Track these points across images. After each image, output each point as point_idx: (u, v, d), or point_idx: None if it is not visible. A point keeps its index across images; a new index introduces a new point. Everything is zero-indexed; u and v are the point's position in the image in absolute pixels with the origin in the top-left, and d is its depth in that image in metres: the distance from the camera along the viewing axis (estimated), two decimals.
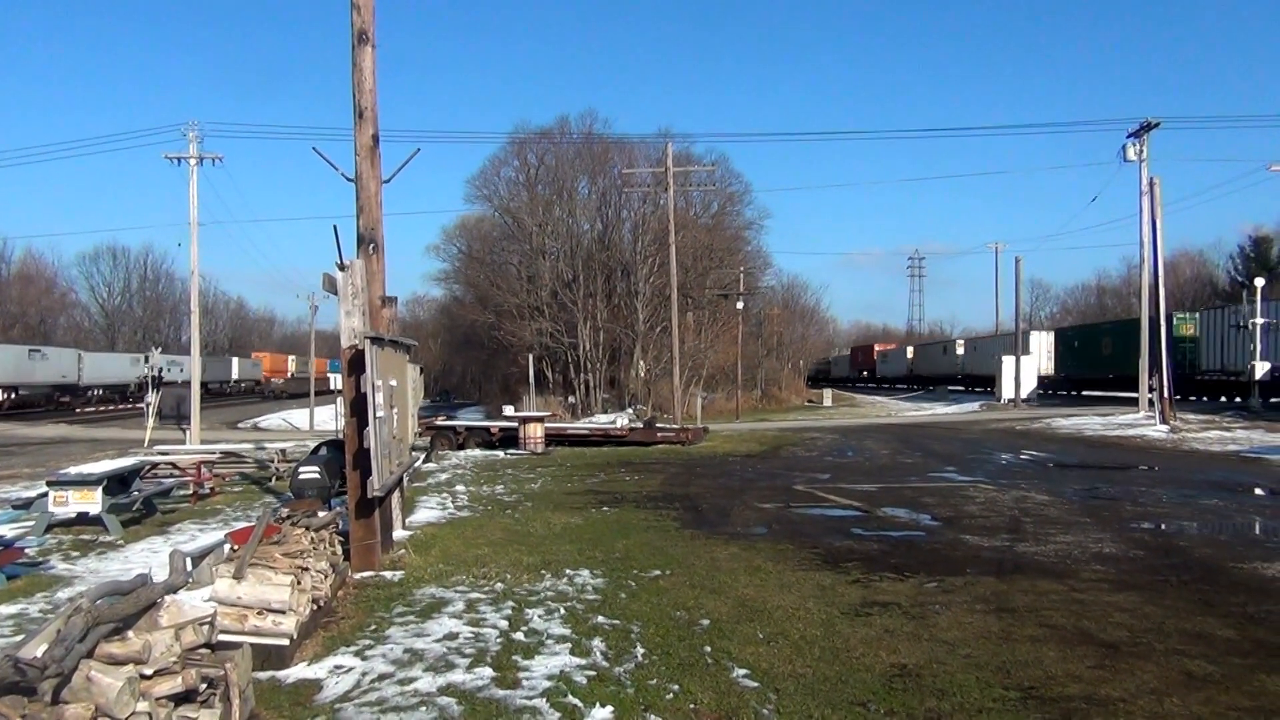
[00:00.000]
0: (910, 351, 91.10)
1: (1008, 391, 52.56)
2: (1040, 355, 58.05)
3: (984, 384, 64.90)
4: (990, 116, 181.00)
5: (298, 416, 55.47)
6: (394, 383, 10.84)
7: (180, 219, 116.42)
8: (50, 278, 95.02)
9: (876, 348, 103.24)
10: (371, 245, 11.36)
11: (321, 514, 9.44)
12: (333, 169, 12.43)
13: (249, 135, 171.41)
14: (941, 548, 11.15)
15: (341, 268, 10.29)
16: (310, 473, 12.18)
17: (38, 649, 4.61)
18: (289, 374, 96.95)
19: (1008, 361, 52.95)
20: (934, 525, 12.86)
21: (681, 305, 41.09)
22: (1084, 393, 53.64)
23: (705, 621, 7.77)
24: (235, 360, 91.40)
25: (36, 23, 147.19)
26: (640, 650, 7.00)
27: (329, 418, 48.87)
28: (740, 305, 57.14)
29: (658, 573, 9.75)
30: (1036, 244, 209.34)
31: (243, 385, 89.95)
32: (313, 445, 18.78)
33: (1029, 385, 52.62)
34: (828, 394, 70.24)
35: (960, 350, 74.94)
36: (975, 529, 12.40)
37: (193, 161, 34.00)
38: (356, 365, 9.87)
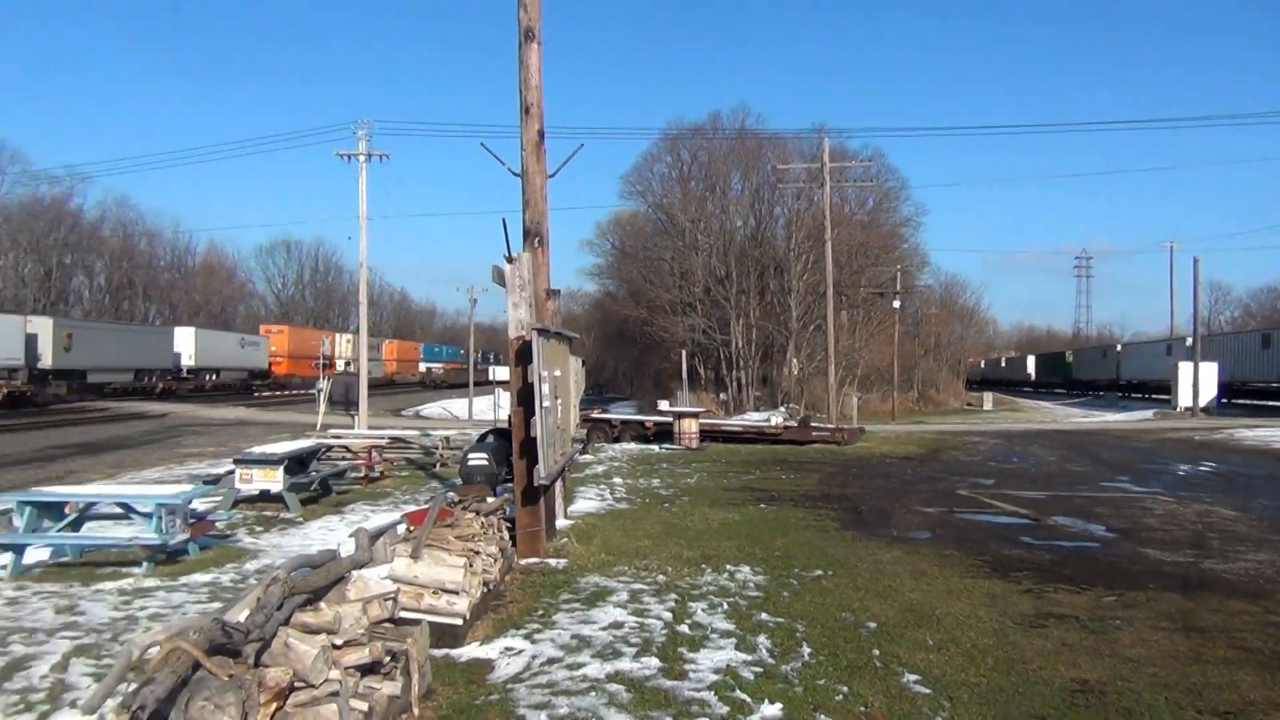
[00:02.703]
0: (1070, 355, 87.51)
1: (1184, 399, 49.79)
2: (1220, 362, 54.85)
3: (1146, 390, 61.66)
4: (1162, 109, 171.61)
5: (457, 406, 57.18)
6: (558, 374, 11.04)
7: (349, 214, 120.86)
8: (230, 269, 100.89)
9: (1035, 353, 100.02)
10: (537, 239, 11.59)
11: (490, 500, 9.68)
12: (499, 164, 12.69)
13: (413, 133, 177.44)
14: (1119, 560, 10.63)
15: (509, 260, 10.52)
16: (479, 459, 12.53)
17: (240, 614, 4.88)
18: (418, 363, 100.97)
19: (1184, 368, 50.10)
20: (1109, 536, 12.27)
21: (836, 303, 40.50)
22: (1269, 403, 50.42)
23: (872, 624, 7.62)
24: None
25: (222, 27, 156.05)
26: (806, 650, 6.91)
27: (486, 407, 50.25)
28: (896, 304, 55.87)
29: (820, 573, 9.63)
30: (1217, 243, 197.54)
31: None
32: (475, 433, 19.33)
33: (1208, 393, 49.67)
34: (988, 397, 68.02)
35: (1120, 354, 71.51)
36: (1155, 542, 11.77)
37: (362, 158, 35.36)
38: (523, 356, 10.08)
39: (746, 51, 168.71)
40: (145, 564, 9.55)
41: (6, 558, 9.64)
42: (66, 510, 10.26)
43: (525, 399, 10.02)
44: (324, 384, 36.64)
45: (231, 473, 13.77)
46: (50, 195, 75.43)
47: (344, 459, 17.55)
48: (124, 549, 9.93)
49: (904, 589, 8.93)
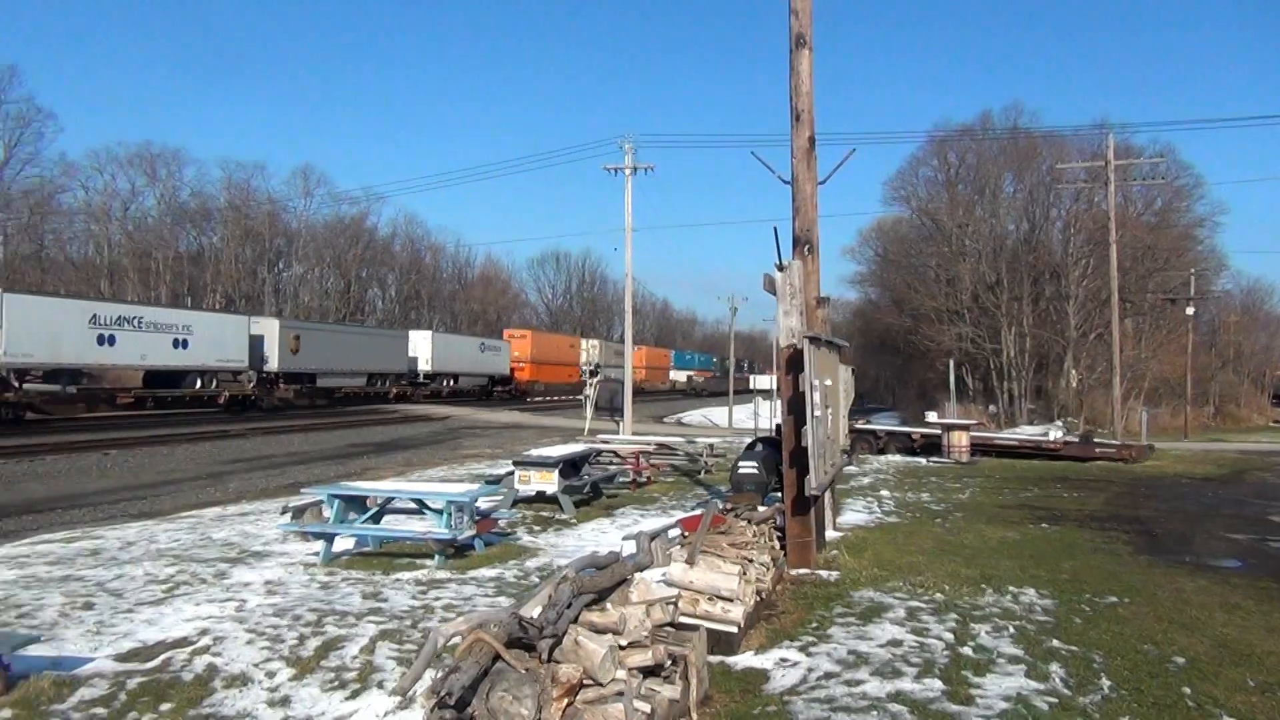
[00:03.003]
0: None
1: None
2: None
3: None
4: None
5: (717, 413, 57.79)
6: (828, 382, 10.87)
7: (616, 225, 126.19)
8: (505, 280, 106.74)
9: None
10: (807, 246, 11.47)
11: (761, 509, 9.66)
12: (769, 172, 12.64)
13: (677, 145, 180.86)
14: None
15: (780, 269, 10.47)
16: (749, 468, 12.55)
17: (533, 610, 5.08)
18: (668, 370, 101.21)
19: None
20: None
21: (1121, 310, 37.79)
22: None
23: (1179, 659, 6.99)
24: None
25: (503, 56, 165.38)
26: (1106, 682, 6.42)
27: (745, 416, 50.46)
28: (1190, 311, 51.46)
29: (1114, 599, 8.95)
30: None
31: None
32: (738, 441, 19.41)
33: None
34: None
35: None
36: None
37: (628, 172, 36.40)
38: (795, 364, 9.99)
39: (1020, 46, 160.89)
40: (437, 557, 10.17)
41: (319, 545, 10.55)
42: (368, 504, 11.10)
43: (796, 408, 9.92)
44: (590, 390, 37.95)
45: (511, 474, 14.47)
46: (350, 215, 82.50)
47: (613, 463, 18.05)
48: (418, 542, 10.63)
49: (1214, 622, 8.14)
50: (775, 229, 11.07)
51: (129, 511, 15.76)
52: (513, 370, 69.92)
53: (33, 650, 6.30)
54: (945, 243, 55.12)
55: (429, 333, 62.53)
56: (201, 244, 75.08)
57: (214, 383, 41.39)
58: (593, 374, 54.54)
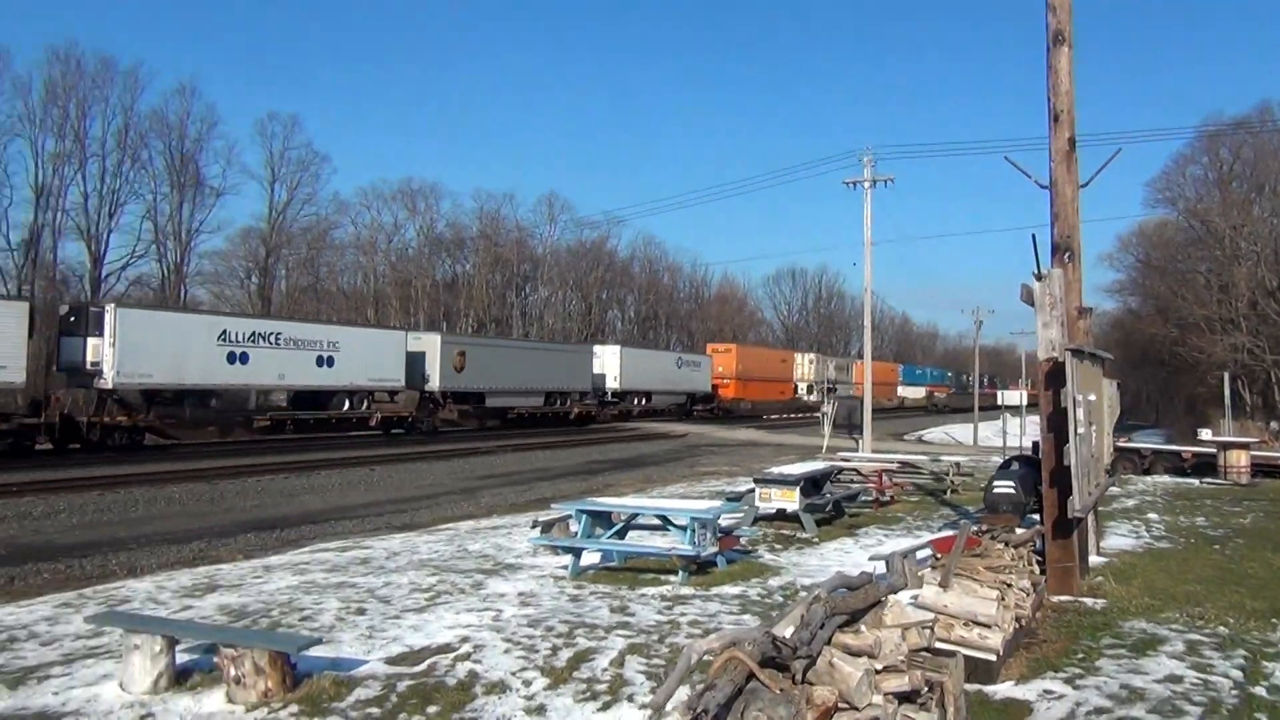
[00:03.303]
0: None
1: None
2: None
3: None
4: None
5: (960, 430, 55.65)
6: (1091, 398, 10.20)
7: (853, 240, 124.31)
8: (741, 298, 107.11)
9: None
10: (1067, 254, 10.81)
11: (1019, 531, 9.16)
12: (1025, 177, 12.01)
13: (918, 155, 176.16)
14: None
15: (1038, 278, 9.92)
16: (1005, 487, 11.97)
17: (785, 630, 4.98)
18: (895, 386, 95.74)
19: None
20: None
21: None
22: None
23: None
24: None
25: (734, 73, 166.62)
26: None
27: (991, 433, 48.31)
28: None
29: None
30: None
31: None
32: (985, 460, 18.56)
33: None
34: None
35: None
36: None
37: (867, 185, 35.71)
38: (1055, 378, 9.44)
39: None
40: (681, 573, 10.23)
41: (567, 559, 10.85)
42: (613, 519, 11.32)
43: (1057, 424, 9.36)
44: (828, 407, 37.41)
45: (751, 491, 14.41)
46: (591, 239, 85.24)
47: (854, 482, 17.66)
48: (661, 557, 10.74)
49: None
50: (1033, 236, 10.50)
51: (393, 524, 16.80)
52: (715, 387, 65.16)
53: (315, 651, 6.77)
54: (1217, 246, 50.91)
55: (617, 347, 57.68)
56: (455, 271, 79.59)
57: (365, 404, 38.39)
58: (829, 391, 53.70)
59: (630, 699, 6.30)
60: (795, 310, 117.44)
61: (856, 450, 30.24)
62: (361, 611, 8.76)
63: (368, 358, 37.74)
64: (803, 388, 77.26)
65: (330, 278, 71.85)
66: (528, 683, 6.60)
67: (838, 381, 78.80)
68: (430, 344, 42.08)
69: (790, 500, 13.79)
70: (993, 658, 6.74)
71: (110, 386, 28.66)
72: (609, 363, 54.42)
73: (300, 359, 35.08)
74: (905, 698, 5.16)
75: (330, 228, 70.07)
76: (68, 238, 53.48)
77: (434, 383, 41.34)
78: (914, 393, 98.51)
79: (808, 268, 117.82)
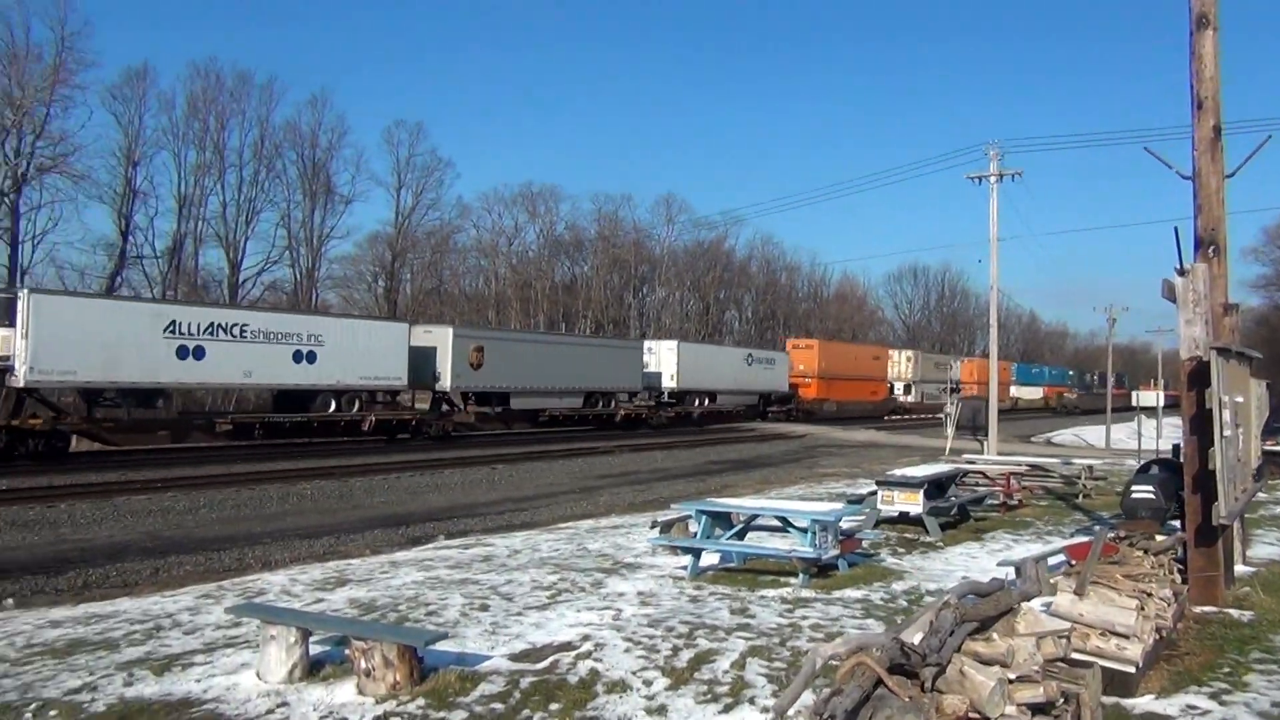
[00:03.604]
0: None
1: None
2: None
3: None
4: None
5: (1091, 433, 53.71)
6: (1238, 399, 9.68)
7: (978, 237, 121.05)
8: (861, 297, 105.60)
9: None
10: (1212, 247, 10.29)
11: (1159, 538, 8.76)
12: (1166, 168, 11.55)
13: (1047, 148, 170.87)
14: None
15: (1181, 272, 9.46)
16: (1144, 492, 11.46)
17: (914, 636, 4.86)
18: (1007, 385, 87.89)
19: None
20: None
21: None
22: None
23: None
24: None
25: (854, 70, 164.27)
26: None
27: (1125, 436, 46.44)
28: None
29: None
30: None
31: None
32: (1118, 463, 17.84)
33: None
34: None
35: None
36: None
37: (993, 179, 34.70)
38: (1198, 378, 8.98)
39: None
40: (801, 575, 10.10)
41: (686, 559, 10.83)
42: (732, 520, 11.25)
43: (1199, 426, 8.91)
44: (951, 408, 36.55)
45: (873, 493, 14.14)
46: (709, 239, 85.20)
47: (980, 485, 17.19)
48: (781, 559, 10.62)
49: None
50: (1175, 229, 10.03)
51: (513, 522, 17.07)
52: (795, 386, 60.18)
53: (441, 646, 6.89)
54: None
55: (674, 343, 51.54)
56: (574, 273, 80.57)
57: (356, 405, 34.17)
58: (952, 391, 52.25)
59: (752, 701, 6.23)
60: (917, 309, 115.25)
61: (981, 452, 29.45)
62: (485, 608, 8.90)
63: (360, 353, 33.63)
64: (899, 387, 74.11)
65: (453, 281, 73.53)
66: (648, 682, 6.60)
67: (939, 381, 75.80)
68: (441, 338, 37.55)
69: (913, 503, 13.49)
70: (1131, 670, 6.45)
71: (23, 385, 24.61)
72: (665, 360, 49.33)
73: (272, 354, 30.78)
74: (1039, 709, 4.97)
75: (453, 232, 71.82)
76: (208, 245, 56.14)
77: (445, 381, 36.91)
78: (1029, 393, 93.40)
79: (930, 265, 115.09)
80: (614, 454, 31.71)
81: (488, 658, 7.15)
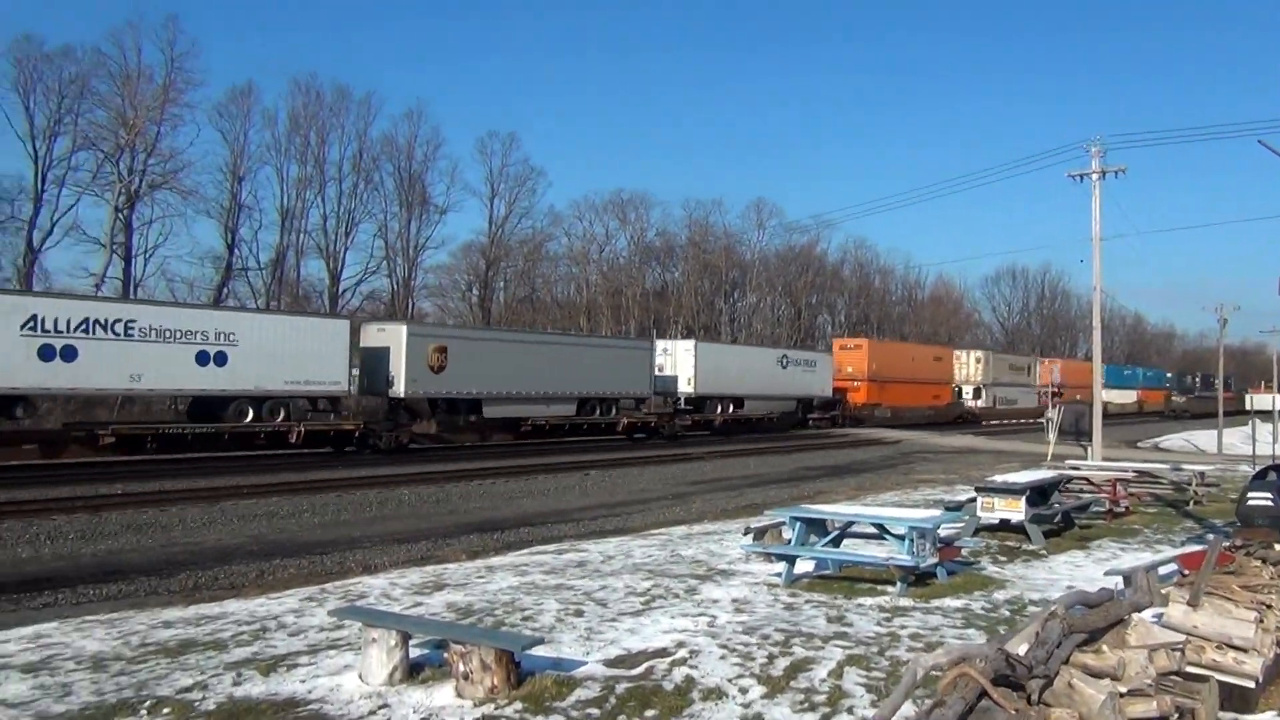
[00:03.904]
0: None
1: None
2: None
3: None
4: None
5: (1202, 437, 51.77)
6: None
7: (1079, 236, 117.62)
8: (957, 299, 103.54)
9: None
10: None
11: (1278, 547, 8.38)
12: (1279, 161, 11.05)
13: (1152, 143, 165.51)
14: None
15: None
16: (1262, 499, 10.97)
17: (1019, 647, 4.73)
18: (1090, 386, 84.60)
19: None
20: None
21: None
22: None
23: None
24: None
25: (947, 67, 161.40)
26: None
27: (1239, 440, 44.62)
28: None
29: None
30: None
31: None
32: (1232, 469, 17.15)
33: None
34: None
35: None
36: None
37: (1095, 177, 33.64)
38: None
39: None
40: (899, 584, 9.92)
41: (780, 566, 10.74)
42: (828, 527, 11.11)
43: None
44: (1053, 413, 35.60)
45: (973, 500, 13.84)
46: (800, 243, 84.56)
47: (1085, 491, 16.69)
48: (878, 567, 10.45)
49: None
50: None
51: (606, 528, 17.12)
52: (842, 390, 55.52)
53: (537, 651, 6.94)
54: None
55: (690, 343, 46.42)
56: (665, 280, 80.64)
57: (282, 413, 29.52)
58: (1055, 395, 50.72)
59: (850, 711, 6.14)
60: (1016, 311, 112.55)
61: (1085, 458, 28.59)
62: (579, 613, 8.95)
63: (287, 355, 29.32)
64: (968, 391, 68.25)
65: (545, 288, 74.26)
66: (744, 690, 6.55)
67: (1018, 384, 72.30)
68: (394, 337, 32.80)
69: (1015, 510, 13.16)
70: (1251, 685, 6.17)
71: None
72: (681, 362, 44.53)
73: (168, 355, 26.73)
74: None
75: (545, 240, 72.48)
76: (309, 256, 57.67)
77: (399, 386, 32.22)
78: (1121, 397, 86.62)
79: (1029, 266, 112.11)
80: (706, 460, 31.63)
81: (583, 663, 7.18)
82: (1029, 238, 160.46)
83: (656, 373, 43.42)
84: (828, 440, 43.78)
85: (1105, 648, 4.88)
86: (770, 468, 30.37)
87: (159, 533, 16.10)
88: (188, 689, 6.67)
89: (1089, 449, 33.05)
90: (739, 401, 47.37)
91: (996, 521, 13.56)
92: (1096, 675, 4.60)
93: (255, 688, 6.70)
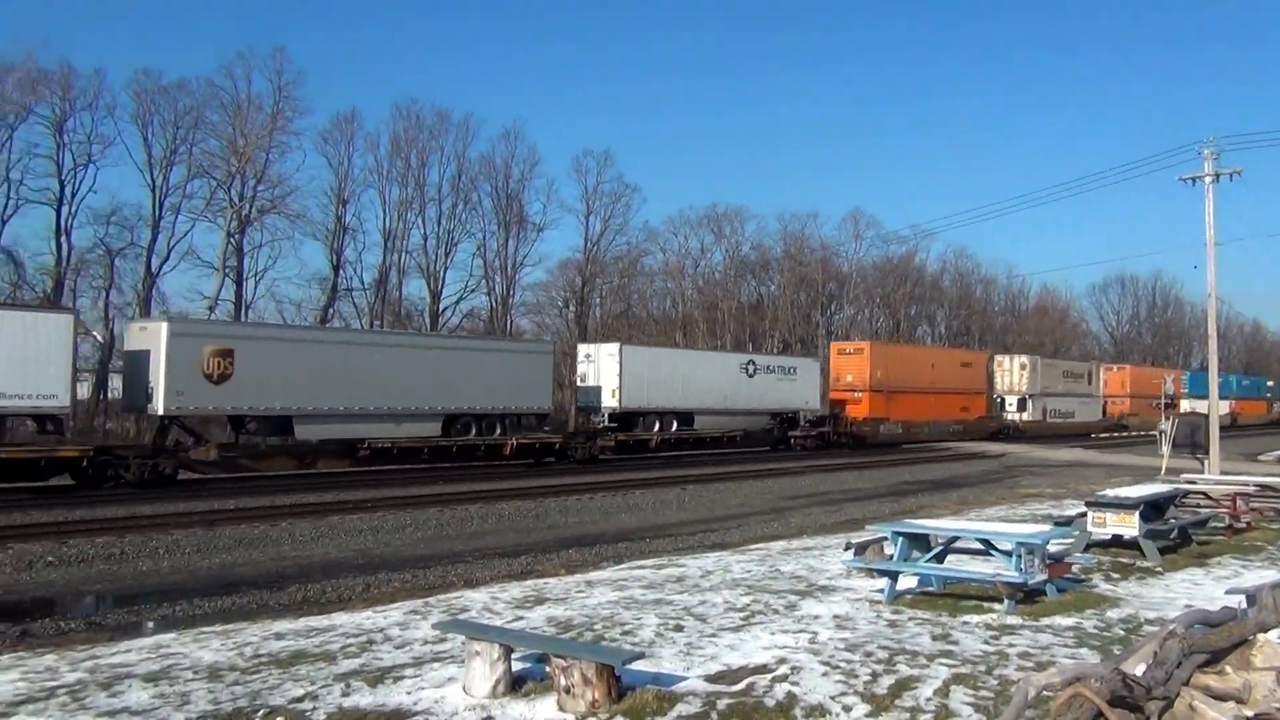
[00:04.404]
0: None
1: None
2: None
3: None
4: None
5: None
6: None
7: (1193, 241, 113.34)
8: (1063, 309, 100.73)
9: None
10: None
11: None
12: None
13: (1267, 143, 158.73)
14: None
15: None
16: None
17: (1136, 667, 4.56)
18: (1179, 396, 71.84)
19: None
20: None
21: None
22: None
23: None
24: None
25: (1047, 72, 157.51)
26: None
27: None
28: None
29: None
30: None
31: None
32: None
33: None
34: None
35: None
36: None
37: (1208, 180, 32.45)
38: None
39: None
40: (1006, 601, 9.65)
41: (882, 582, 10.55)
42: (931, 543, 10.88)
43: None
44: (1166, 425, 34.37)
45: (1083, 515, 13.41)
46: (898, 254, 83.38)
47: (1202, 506, 16.03)
48: (983, 584, 10.19)
49: None
50: None
51: (704, 543, 17.09)
52: (840, 402, 48.68)
53: (638, 665, 6.94)
54: None
55: (615, 346, 38.46)
56: (760, 293, 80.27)
57: None
58: (1168, 406, 48.75)
59: None
60: (1125, 320, 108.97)
61: (1202, 471, 27.49)
62: (679, 628, 8.92)
63: None
64: (1012, 402, 59.79)
65: (640, 304, 74.56)
66: (848, 708, 6.44)
67: (1075, 393, 64.69)
68: (153, 338, 25.58)
69: (1128, 525, 12.70)
70: None
71: None
72: (605, 369, 37.16)
73: None
74: None
75: (641, 255, 72.79)
76: (410, 276, 58.94)
77: (158, 401, 25.05)
78: (1212, 406, 77.06)
79: (1139, 274, 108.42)
80: (804, 474, 31.33)
81: (683, 678, 7.15)
82: (1139, 244, 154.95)
83: (580, 383, 38.57)
84: (926, 454, 42.95)
85: (1229, 669, 4.68)
86: (868, 482, 29.96)
87: (269, 547, 16.61)
88: (299, 699, 6.84)
89: (1205, 462, 31.81)
90: (686, 417, 39.72)
91: (1109, 537, 13.11)
92: (1219, 698, 4.42)
93: (363, 699, 6.83)
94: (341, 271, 54.51)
